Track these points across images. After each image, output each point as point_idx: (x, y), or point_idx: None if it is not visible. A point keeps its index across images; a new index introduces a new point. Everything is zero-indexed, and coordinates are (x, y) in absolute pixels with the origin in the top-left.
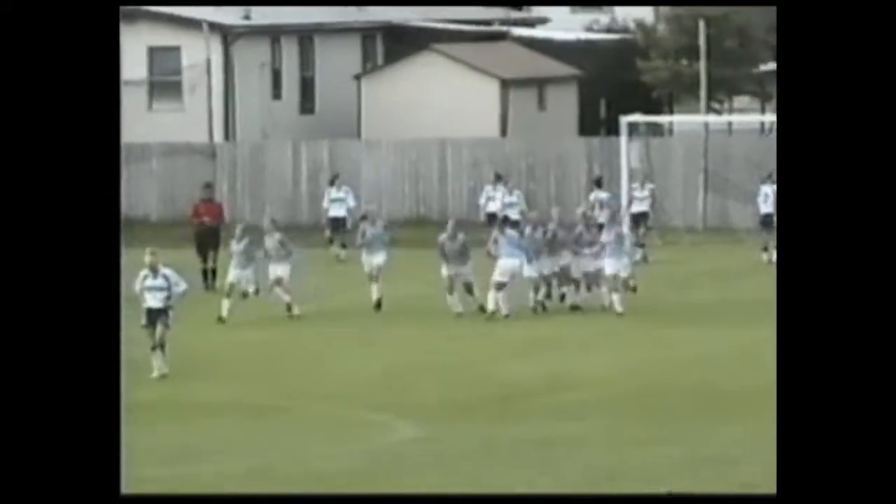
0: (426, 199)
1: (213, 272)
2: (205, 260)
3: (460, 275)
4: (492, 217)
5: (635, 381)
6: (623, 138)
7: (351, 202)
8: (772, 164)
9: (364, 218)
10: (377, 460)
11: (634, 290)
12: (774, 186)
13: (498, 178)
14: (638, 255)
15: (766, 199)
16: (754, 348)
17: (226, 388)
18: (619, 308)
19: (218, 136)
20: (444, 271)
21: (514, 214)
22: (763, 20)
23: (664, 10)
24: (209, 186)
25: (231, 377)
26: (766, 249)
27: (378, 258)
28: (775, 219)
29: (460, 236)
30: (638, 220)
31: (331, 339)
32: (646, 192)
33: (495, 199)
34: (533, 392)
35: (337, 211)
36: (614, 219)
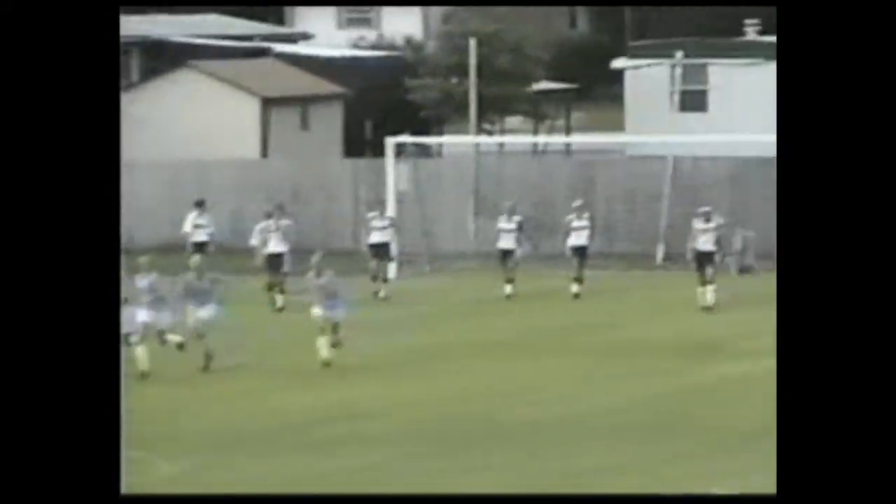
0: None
1: None
2: None
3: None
4: (199, 245)
5: (411, 414)
6: (390, 160)
7: None
8: (546, 188)
9: None
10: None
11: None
12: (584, 219)
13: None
14: (382, 293)
15: (579, 230)
16: (532, 378)
17: None
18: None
19: None
20: (317, 311)
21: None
22: (537, 37)
23: (434, 26)
24: None
25: None
26: (577, 280)
27: None
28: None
29: (328, 273)
30: (378, 251)
31: None
32: (385, 222)
33: (204, 227)
34: (309, 424)
35: None
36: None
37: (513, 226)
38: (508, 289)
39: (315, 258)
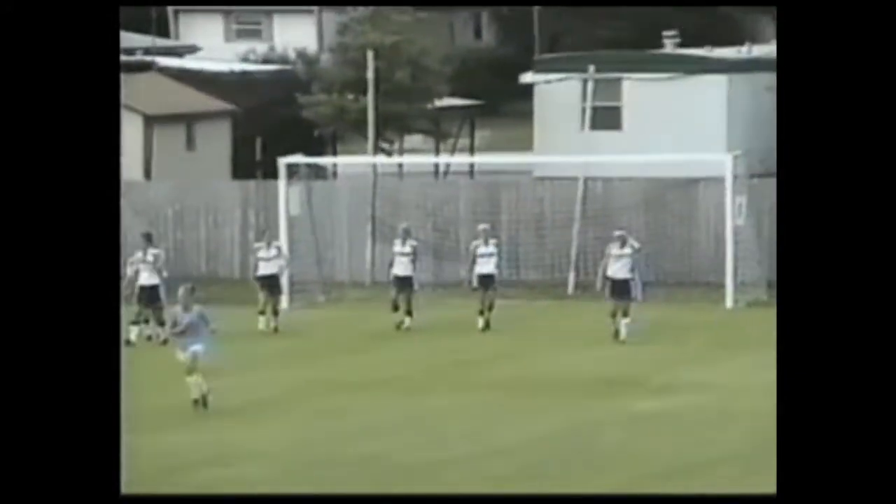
0: None
1: None
2: None
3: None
4: None
5: (300, 455)
6: (282, 182)
7: None
8: (448, 211)
9: None
10: None
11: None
12: (490, 245)
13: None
14: (273, 324)
15: (486, 258)
16: (428, 417)
17: None
18: None
19: None
20: (180, 355)
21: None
22: (439, 50)
23: (329, 38)
24: None
25: None
26: (482, 312)
27: None
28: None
29: (196, 308)
30: (266, 284)
31: None
32: (273, 252)
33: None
34: (185, 466)
35: None
36: None
37: (408, 250)
38: (407, 320)
39: (182, 293)
